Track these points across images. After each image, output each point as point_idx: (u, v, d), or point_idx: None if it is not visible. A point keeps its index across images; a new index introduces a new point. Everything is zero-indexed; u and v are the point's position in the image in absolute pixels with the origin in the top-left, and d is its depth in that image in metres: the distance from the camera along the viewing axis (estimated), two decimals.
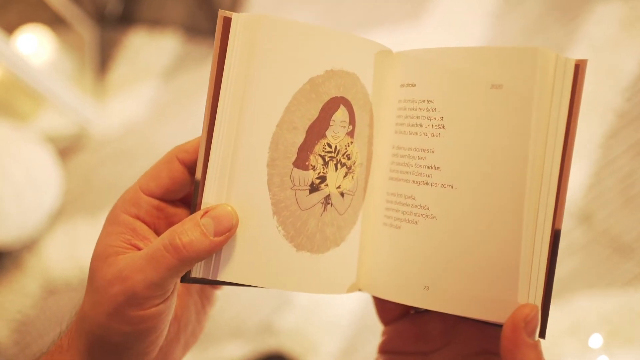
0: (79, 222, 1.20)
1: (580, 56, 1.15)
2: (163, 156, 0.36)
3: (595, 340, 0.95)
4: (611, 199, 1.05)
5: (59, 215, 1.21)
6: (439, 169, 0.36)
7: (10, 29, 1.23)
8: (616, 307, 0.98)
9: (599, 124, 1.10)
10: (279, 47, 0.34)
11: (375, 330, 1.01)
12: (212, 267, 0.34)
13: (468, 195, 0.34)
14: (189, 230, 0.32)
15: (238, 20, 0.34)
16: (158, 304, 0.32)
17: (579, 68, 0.33)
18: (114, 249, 0.33)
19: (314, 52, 0.35)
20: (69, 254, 1.17)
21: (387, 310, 0.42)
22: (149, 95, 1.30)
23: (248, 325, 1.05)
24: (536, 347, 0.31)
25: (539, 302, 0.33)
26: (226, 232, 0.33)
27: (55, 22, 1.27)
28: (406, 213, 0.37)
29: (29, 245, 1.18)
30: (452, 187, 0.35)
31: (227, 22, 0.34)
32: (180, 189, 0.36)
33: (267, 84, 0.34)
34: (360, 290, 0.40)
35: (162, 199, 0.36)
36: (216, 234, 0.32)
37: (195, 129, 1.24)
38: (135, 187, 0.35)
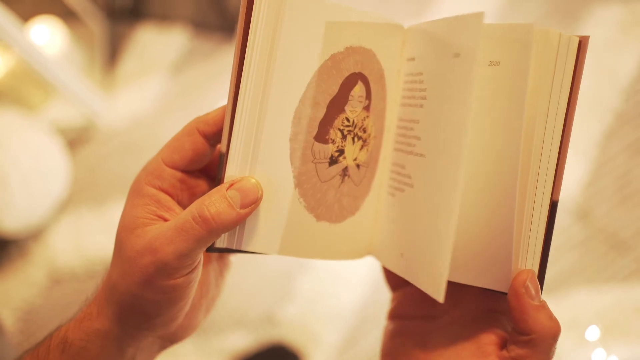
0: (85, 213, 1.21)
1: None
2: (183, 128, 0.36)
3: (592, 333, 0.97)
4: (609, 197, 1.06)
5: (65, 205, 1.21)
6: (419, 138, 0.37)
7: (24, 19, 1.24)
8: (613, 302, 0.99)
9: (597, 123, 1.12)
10: (303, 24, 0.34)
11: (376, 322, 1.02)
12: (236, 237, 0.35)
13: (439, 165, 0.34)
14: (217, 202, 0.32)
15: None
16: (187, 274, 0.33)
17: (581, 44, 0.34)
18: (140, 221, 0.33)
19: (335, 29, 0.36)
20: (74, 244, 1.17)
21: (393, 275, 0.43)
22: (156, 89, 1.31)
23: (250, 316, 1.05)
24: (544, 308, 0.32)
25: (536, 269, 0.34)
26: (252, 204, 0.33)
27: (67, 14, 1.29)
28: (398, 182, 0.38)
29: (35, 234, 1.19)
30: (424, 156, 0.36)
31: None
32: (202, 160, 0.37)
33: (290, 60, 0.34)
34: (369, 254, 0.42)
35: (184, 170, 0.36)
36: (242, 206, 0.33)
37: None
38: (157, 159, 0.35)
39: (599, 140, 1.11)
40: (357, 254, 0.41)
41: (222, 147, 0.35)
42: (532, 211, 0.33)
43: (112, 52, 1.35)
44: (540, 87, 0.33)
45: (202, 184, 0.38)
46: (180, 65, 1.33)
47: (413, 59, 0.38)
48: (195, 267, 0.34)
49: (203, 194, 0.35)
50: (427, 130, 0.36)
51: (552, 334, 0.32)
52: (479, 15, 0.32)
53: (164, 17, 1.36)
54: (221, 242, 0.35)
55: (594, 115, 1.12)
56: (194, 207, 0.32)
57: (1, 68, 1.21)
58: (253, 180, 0.34)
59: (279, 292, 1.06)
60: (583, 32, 1.18)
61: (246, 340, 1.03)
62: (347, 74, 0.37)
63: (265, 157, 0.35)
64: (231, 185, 0.33)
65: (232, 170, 0.35)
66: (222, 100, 1.32)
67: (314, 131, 0.36)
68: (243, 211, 0.33)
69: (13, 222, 1.09)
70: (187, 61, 1.33)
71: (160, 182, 0.35)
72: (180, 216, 0.32)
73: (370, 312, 1.03)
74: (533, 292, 0.32)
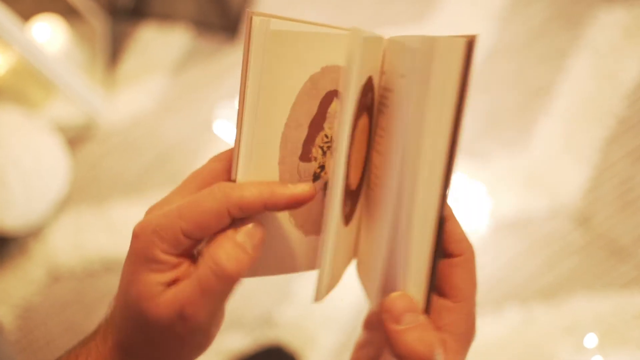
0: (84, 211, 1.21)
1: (583, 63, 1.16)
2: (211, 199, 0.32)
3: (590, 340, 0.96)
4: (610, 203, 1.06)
5: (65, 203, 1.22)
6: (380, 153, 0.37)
7: (26, 17, 1.24)
8: (612, 309, 0.99)
9: (599, 128, 1.11)
10: (282, 53, 0.34)
11: None
12: None
13: (382, 183, 0.35)
14: (232, 251, 0.32)
15: (255, 22, 0.33)
16: (219, 324, 0.34)
17: (471, 45, 0.30)
18: (158, 288, 0.32)
19: (312, 53, 0.36)
20: (74, 242, 1.18)
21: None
22: (157, 88, 1.31)
23: (248, 317, 1.05)
24: (414, 330, 0.32)
25: (423, 287, 0.33)
26: (261, 244, 0.33)
27: (68, 13, 1.29)
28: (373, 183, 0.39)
29: (34, 232, 1.19)
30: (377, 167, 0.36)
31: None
32: None
33: (274, 87, 0.35)
34: (355, 258, 0.42)
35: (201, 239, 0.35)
36: (254, 249, 0.33)
37: (201, 124, 1.26)
38: (173, 224, 0.32)
39: (600, 146, 1.10)
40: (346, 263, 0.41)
41: (232, 174, 0.35)
42: (411, 224, 0.32)
43: (114, 51, 1.35)
44: (431, 98, 0.31)
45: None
46: (182, 65, 1.33)
47: (384, 72, 0.39)
48: (224, 312, 0.35)
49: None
50: (386, 141, 0.36)
51: (422, 358, 0.31)
52: (426, 40, 0.31)
53: (166, 16, 1.36)
54: None
55: (596, 121, 1.12)
56: (211, 262, 0.31)
57: (2, 66, 1.21)
58: (255, 222, 0.33)
59: (277, 294, 1.06)
60: (586, 37, 1.19)
61: (244, 341, 1.03)
62: (324, 92, 0.37)
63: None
64: (236, 229, 0.33)
65: None
66: (223, 101, 1.33)
67: (299, 152, 0.37)
68: (255, 253, 0.33)
69: (13, 220, 1.09)
70: (188, 61, 1.33)
71: (177, 251, 0.33)
72: (200, 275, 0.31)
73: None
74: (397, 314, 0.32)
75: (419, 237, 0.32)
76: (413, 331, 0.31)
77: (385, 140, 0.36)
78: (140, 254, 0.32)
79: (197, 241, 0.33)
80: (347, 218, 0.39)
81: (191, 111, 1.28)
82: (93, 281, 1.14)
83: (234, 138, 0.34)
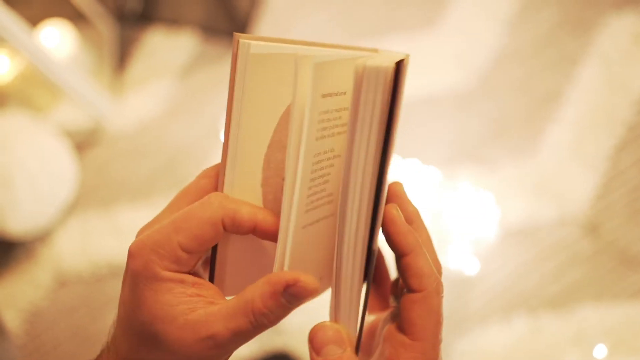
0: (91, 216, 1.21)
1: (592, 70, 1.15)
2: (205, 210, 0.32)
3: (600, 351, 0.96)
4: (619, 211, 1.05)
5: (72, 208, 1.22)
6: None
7: (34, 22, 1.24)
8: (621, 319, 0.98)
9: (608, 136, 1.10)
10: (263, 75, 0.34)
11: None
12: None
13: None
14: (275, 311, 0.31)
15: (241, 44, 0.33)
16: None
17: (400, 66, 0.29)
18: (178, 309, 0.31)
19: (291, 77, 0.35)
20: (80, 247, 1.18)
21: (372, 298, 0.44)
22: (164, 93, 1.31)
23: None
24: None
25: (355, 320, 0.33)
26: (305, 299, 0.32)
27: (76, 18, 1.29)
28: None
29: (41, 237, 1.19)
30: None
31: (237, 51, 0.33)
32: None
33: (255, 108, 0.34)
34: None
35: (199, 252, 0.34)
36: (293, 305, 0.32)
37: (208, 129, 1.26)
38: (170, 240, 0.32)
39: (610, 153, 1.09)
40: None
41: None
42: (340, 255, 0.32)
43: (121, 56, 1.35)
44: (357, 129, 0.31)
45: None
46: (189, 70, 1.33)
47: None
48: None
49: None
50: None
51: None
52: (352, 62, 0.30)
53: (173, 21, 1.36)
54: None
55: (605, 128, 1.11)
56: (251, 315, 0.31)
57: (11, 71, 1.21)
58: (309, 282, 0.31)
59: None
60: (596, 44, 1.18)
61: (250, 347, 1.03)
62: None
63: None
64: (286, 287, 0.31)
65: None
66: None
67: (282, 172, 0.36)
68: (296, 306, 0.32)
69: (20, 224, 1.09)
70: (195, 65, 1.33)
71: (178, 267, 0.32)
72: (237, 316, 0.31)
73: None
74: (320, 345, 0.32)
75: (347, 269, 0.32)
76: None
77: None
78: (141, 275, 0.32)
79: (198, 256, 0.33)
80: None
81: (198, 116, 1.28)
82: (100, 286, 1.14)
83: (221, 158, 0.34)
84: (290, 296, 0.30)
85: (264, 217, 0.33)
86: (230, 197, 0.33)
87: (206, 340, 0.30)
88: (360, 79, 0.29)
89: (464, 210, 1.08)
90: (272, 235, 0.33)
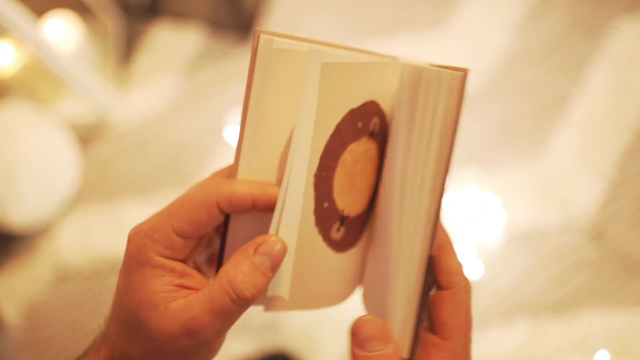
0: (93, 211, 1.20)
1: (601, 74, 1.15)
2: (199, 193, 0.32)
3: (602, 358, 0.95)
4: (625, 218, 1.04)
5: (74, 202, 1.21)
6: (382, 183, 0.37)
7: (39, 14, 1.24)
8: (624, 326, 0.97)
9: (616, 141, 1.10)
10: (286, 72, 0.33)
11: None
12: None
13: (379, 213, 0.35)
14: (250, 275, 0.31)
15: (262, 40, 0.32)
16: (224, 339, 0.33)
17: (464, 78, 0.30)
18: (161, 296, 0.31)
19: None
20: (81, 242, 1.17)
21: None
22: (169, 88, 1.31)
23: (254, 322, 1.05)
24: (373, 358, 0.31)
25: (410, 322, 0.32)
26: (279, 265, 0.33)
27: (81, 9, 1.28)
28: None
29: (42, 231, 1.19)
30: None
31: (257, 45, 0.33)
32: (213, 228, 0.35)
33: (275, 107, 0.33)
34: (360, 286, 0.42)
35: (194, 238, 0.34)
36: (272, 270, 0.32)
37: (213, 125, 1.25)
38: (165, 224, 0.32)
39: (617, 159, 1.09)
40: (356, 284, 0.41)
41: None
42: (399, 261, 0.32)
43: (127, 49, 1.34)
44: (420, 130, 0.31)
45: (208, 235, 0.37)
46: (195, 65, 1.32)
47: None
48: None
49: (208, 239, 0.35)
50: (386, 171, 0.36)
51: None
52: (413, 69, 0.30)
53: (180, 15, 1.35)
54: None
55: (612, 134, 1.10)
56: (226, 284, 0.31)
57: (15, 62, 1.21)
58: (277, 240, 0.32)
59: None
60: (605, 48, 1.17)
61: (249, 346, 1.03)
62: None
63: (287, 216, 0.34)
64: (256, 249, 0.32)
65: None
66: (235, 102, 1.32)
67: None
68: (273, 274, 0.32)
69: (21, 218, 1.09)
70: (201, 61, 1.32)
71: (172, 253, 0.32)
72: (213, 295, 0.31)
73: None
74: (359, 340, 0.31)
75: (405, 270, 0.32)
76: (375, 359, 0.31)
77: (386, 169, 0.35)
78: (134, 259, 0.32)
79: (193, 242, 0.33)
80: (340, 245, 0.38)
81: (203, 112, 1.27)
82: (100, 281, 1.14)
83: (234, 156, 0.34)
84: (262, 256, 0.31)
85: (261, 190, 0.32)
86: (227, 180, 0.33)
87: (185, 327, 0.30)
88: (418, 84, 0.30)
89: (469, 214, 1.07)
90: (273, 205, 0.33)
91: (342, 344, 1.02)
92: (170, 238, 0.32)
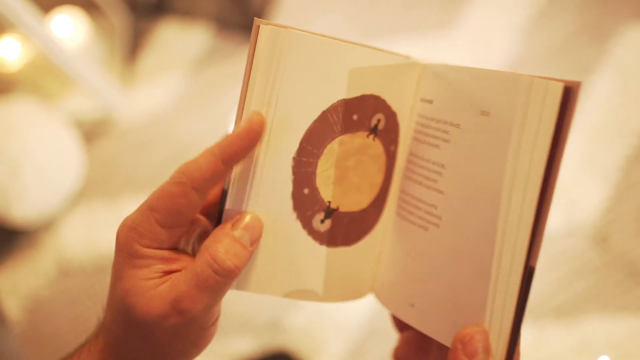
0: (97, 207, 1.21)
1: (607, 80, 1.15)
2: (173, 184, 0.32)
3: None
4: (629, 223, 1.04)
5: (78, 198, 1.21)
6: (442, 192, 0.36)
7: (46, 9, 1.24)
8: (626, 332, 0.97)
9: (621, 147, 1.10)
10: (302, 64, 0.34)
11: (383, 335, 1.01)
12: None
13: (450, 222, 0.34)
14: (232, 247, 0.32)
15: (264, 31, 0.33)
16: (216, 319, 0.34)
17: (570, 91, 0.30)
18: (151, 282, 0.32)
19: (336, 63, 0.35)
20: (85, 237, 1.17)
21: (397, 318, 0.43)
22: (175, 86, 1.31)
23: (256, 321, 1.05)
24: None
25: (505, 337, 0.31)
26: (258, 239, 0.34)
27: (88, 6, 1.28)
28: (419, 217, 0.37)
29: (46, 226, 1.19)
30: (443, 193, 0.35)
31: (258, 31, 0.33)
32: (196, 214, 0.35)
33: (288, 100, 0.34)
34: (371, 292, 0.41)
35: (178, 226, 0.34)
36: (252, 243, 0.33)
37: (218, 123, 1.25)
38: (148, 217, 0.32)
39: (622, 164, 1.08)
40: (358, 292, 0.40)
41: (225, 182, 0.35)
42: (499, 274, 0.31)
43: (133, 47, 1.35)
44: (523, 142, 0.31)
45: (195, 218, 0.37)
46: (201, 63, 1.32)
47: (431, 101, 0.37)
48: (220, 308, 0.34)
49: (199, 228, 0.36)
50: (452, 177, 0.35)
51: None
52: (518, 78, 0.30)
53: (187, 13, 1.35)
54: None
55: (618, 138, 1.10)
56: (208, 257, 0.31)
57: (21, 58, 1.21)
58: (251, 215, 0.34)
59: (287, 299, 1.05)
60: (612, 53, 1.17)
61: (250, 345, 1.03)
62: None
63: (266, 194, 0.35)
64: (234, 224, 0.33)
65: (231, 204, 0.35)
66: (238, 101, 1.30)
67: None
68: (252, 248, 0.33)
69: (25, 212, 1.09)
70: (207, 59, 1.32)
71: (159, 243, 0.33)
72: (197, 270, 0.31)
73: (378, 325, 1.02)
74: (474, 350, 0.31)
75: (504, 282, 0.31)
76: None
77: (450, 178, 0.34)
78: (123, 251, 0.32)
79: (181, 230, 0.33)
80: (325, 238, 0.38)
81: (207, 111, 1.27)
82: (103, 277, 1.14)
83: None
84: (240, 231, 0.33)
85: (219, 146, 0.32)
86: (191, 159, 0.33)
87: (173, 305, 0.31)
88: (528, 93, 0.30)
89: None
90: (240, 148, 0.33)
91: (344, 345, 1.02)
92: (155, 230, 0.32)
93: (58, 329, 1.12)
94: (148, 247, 0.32)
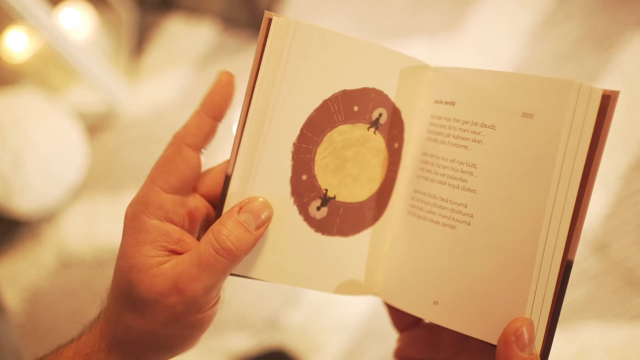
0: (99, 200, 1.21)
1: (611, 86, 1.14)
2: (167, 149, 0.35)
3: None
4: (629, 232, 1.04)
5: (80, 190, 1.22)
6: (473, 191, 0.36)
7: (53, 2, 1.24)
8: (624, 340, 0.97)
9: (623, 155, 1.10)
10: (309, 55, 0.35)
11: (381, 335, 1.01)
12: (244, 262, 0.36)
13: (485, 220, 0.35)
14: (234, 229, 0.32)
15: (276, 23, 0.34)
16: (215, 303, 0.34)
17: (609, 99, 0.32)
18: (154, 260, 0.32)
19: (346, 64, 0.36)
20: (86, 230, 1.18)
21: (400, 317, 0.43)
22: (180, 81, 1.31)
23: (254, 319, 1.05)
24: None
25: (542, 330, 0.33)
26: (265, 224, 0.34)
27: (95, 0, 1.29)
28: (446, 217, 0.38)
29: (47, 217, 1.19)
30: (475, 192, 0.36)
31: (269, 24, 0.35)
32: (197, 175, 0.36)
33: (293, 88, 0.35)
34: (375, 294, 0.41)
35: (182, 193, 0.35)
36: (257, 228, 0.33)
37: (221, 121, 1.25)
38: (152, 188, 0.34)
39: (624, 172, 1.08)
40: (354, 288, 0.40)
41: (229, 169, 0.36)
42: (540, 268, 0.33)
43: (139, 41, 1.35)
44: (567, 144, 0.33)
45: (200, 204, 0.37)
46: (207, 60, 1.32)
47: (452, 103, 0.38)
48: (220, 295, 0.34)
49: (203, 215, 0.36)
50: (486, 176, 0.36)
51: None
52: (567, 82, 0.32)
53: (194, 9, 1.35)
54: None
55: (620, 146, 1.10)
56: (211, 237, 0.32)
57: (28, 49, 1.21)
58: (261, 199, 0.34)
59: (285, 297, 1.06)
60: (616, 61, 1.17)
61: (248, 342, 1.03)
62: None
63: (265, 179, 0.36)
64: (241, 208, 0.33)
65: (235, 188, 0.35)
66: (242, 98, 1.31)
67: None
68: (258, 232, 0.33)
69: (27, 204, 1.09)
70: (213, 56, 1.32)
71: (164, 213, 0.34)
72: (200, 249, 0.32)
73: (376, 325, 1.02)
74: (525, 342, 0.31)
75: (545, 275, 0.33)
76: None
77: (484, 177, 0.35)
78: (129, 226, 0.33)
79: (183, 200, 0.34)
80: (321, 226, 0.38)
81: None
82: (102, 270, 1.14)
83: (238, 129, 0.36)
84: (246, 214, 0.33)
85: (201, 103, 0.35)
86: (183, 127, 0.35)
87: (174, 282, 0.31)
88: (567, 97, 0.32)
89: None
90: (222, 98, 0.36)
91: (342, 345, 1.02)
92: (161, 197, 0.34)
93: (57, 321, 1.12)
94: (154, 217, 0.33)
